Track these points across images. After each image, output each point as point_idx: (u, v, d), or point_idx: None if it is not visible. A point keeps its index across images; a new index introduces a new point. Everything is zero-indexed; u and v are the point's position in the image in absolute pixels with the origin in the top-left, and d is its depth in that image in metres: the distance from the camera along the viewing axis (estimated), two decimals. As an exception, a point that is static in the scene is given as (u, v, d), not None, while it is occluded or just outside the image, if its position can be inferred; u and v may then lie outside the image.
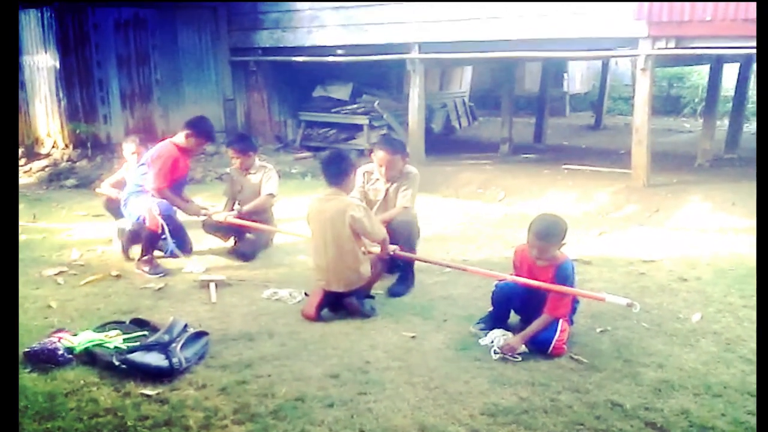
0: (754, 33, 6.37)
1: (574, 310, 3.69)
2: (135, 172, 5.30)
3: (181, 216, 5.19)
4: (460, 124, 14.23)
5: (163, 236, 4.94)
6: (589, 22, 7.33)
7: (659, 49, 7.00)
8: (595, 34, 7.35)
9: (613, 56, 10.70)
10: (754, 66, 11.43)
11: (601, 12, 7.22)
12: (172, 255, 5.02)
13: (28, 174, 8.58)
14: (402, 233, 4.45)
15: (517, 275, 3.78)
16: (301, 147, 11.00)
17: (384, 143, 4.62)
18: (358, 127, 10.85)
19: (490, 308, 3.89)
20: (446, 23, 8.43)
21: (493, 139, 11.17)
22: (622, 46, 7.51)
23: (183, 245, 5.16)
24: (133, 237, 5.08)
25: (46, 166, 8.65)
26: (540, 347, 3.47)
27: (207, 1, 10.13)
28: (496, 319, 3.80)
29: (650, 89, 7.30)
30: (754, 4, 6.20)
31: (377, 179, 4.64)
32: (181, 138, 5.12)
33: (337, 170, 4.03)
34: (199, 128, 5.16)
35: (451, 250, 5.58)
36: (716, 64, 9.03)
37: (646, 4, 6.80)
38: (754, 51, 6.82)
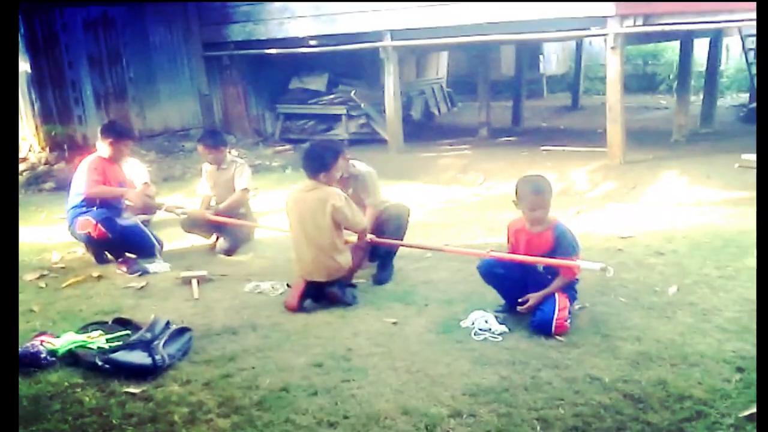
0: (721, 7, 6.51)
1: (573, 287, 3.69)
2: (74, 185, 5.18)
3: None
4: (439, 111, 14.24)
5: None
6: (558, 3, 7.36)
7: (627, 27, 7.06)
8: (564, 15, 7.40)
9: (582, 36, 10.76)
10: (725, 40, 11.60)
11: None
12: (136, 271, 4.82)
13: (4, 179, 8.45)
14: (392, 224, 4.49)
15: (512, 252, 3.81)
16: (280, 140, 10.96)
17: None
18: (337, 118, 10.84)
19: (472, 291, 3.92)
20: (416, 10, 8.43)
21: (471, 124, 11.21)
22: (593, 26, 7.57)
23: (142, 248, 5.06)
24: (98, 247, 5.05)
25: (24, 171, 8.53)
26: (542, 329, 3.48)
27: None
28: (507, 299, 3.82)
29: (621, 67, 7.36)
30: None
31: None
32: (104, 149, 5.08)
33: (317, 163, 4.03)
34: (107, 132, 5.11)
35: (432, 235, 5.62)
36: (686, 40, 9.12)
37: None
38: (722, 25, 6.92)
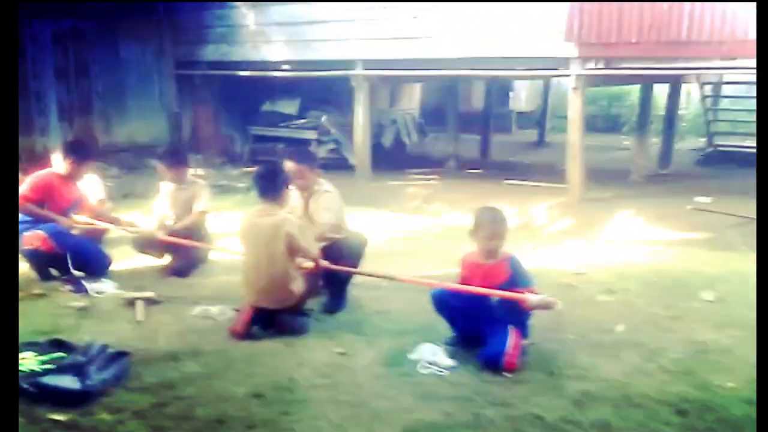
0: (678, 54, 6.73)
1: (526, 323, 3.67)
2: None
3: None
4: (410, 140, 14.36)
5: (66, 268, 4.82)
6: (523, 43, 7.52)
7: (589, 69, 7.25)
8: (530, 54, 7.56)
9: (545, 76, 11.06)
10: (687, 86, 11.99)
11: (534, 33, 7.42)
12: (81, 290, 4.67)
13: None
14: (349, 253, 4.44)
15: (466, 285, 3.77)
16: (249, 161, 10.90)
17: (290, 154, 4.65)
18: (306, 142, 10.82)
19: (424, 322, 3.89)
20: (388, 41, 8.54)
21: (441, 155, 11.33)
22: (556, 67, 7.75)
23: (93, 265, 4.95)
24: (44, 263, 4.88)
25: (-24, 181, 8.29)
26: (491, 364, 3.45)
27: (152, 1, 9.95)
28: (459, 332, 3.77)
29: (582, 107, 7.54)
30: (676, 27, 6.51)
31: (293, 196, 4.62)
32: (63, 166, 5.01)
33: (270, 184, 4.00)
34: (71, 150, 5.06)
35: (392, 264, 5.54)
36: (646, 85, 9.41)
37: (576, 25, 7.03)
38: (679, 72, 7.16)
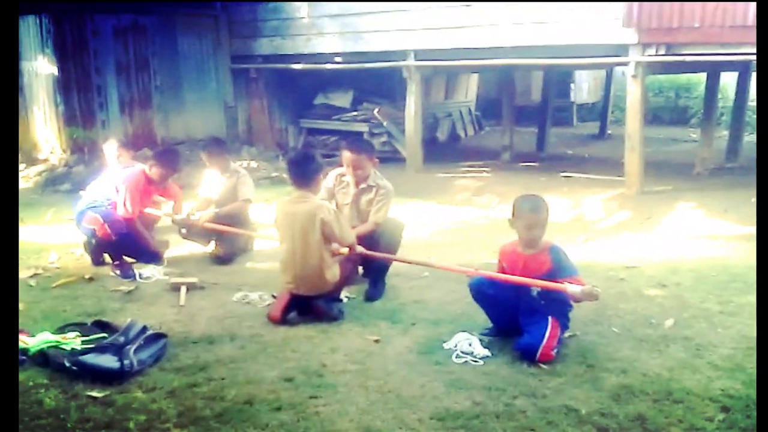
0: (745, 40, 6.32)
1: (567, 314, 3.55)
2: (94, 188, 5.34)
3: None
4: (465, 133, 14.17)
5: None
6: (580, 29, 7.26)
7: (649, 56, 6.91)
8: (586, 41, 7.29)
9: (604, 63, 10.61)
10: (753, 74, 11.26)
11: (592, 19, 7.15)
12: (130, 275, 4.83)
13: (25, 179, 8.66)
14: (386, 239, 4.42)
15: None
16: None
17: (348, 144, 4.63)
18: (359, 135, 10.85)
19: (462, 313, 3.81)
20: (440, 31, 8.43)
21: (496, 148, 11.13)
22: (616, 54, 7.43)
23: (148, 253, 5.14)
24: (100, 247, 5.07)
25: (43, 171, 8.73)
26: (526, 354, 3.36)
27: (206, 0, 10.22)
28: (497, 323, 3.69)
29: (642, 96, 7.22)
30: (743, 11, 6.11)
31: (347, 183, 4.62)
32: (149, 169, 5.20)
33: (304, 171, 4.01)
34: (162, 160, 5.21)
35: (433, 254, 5.49)
36: (712, 73, 8.90)
37: (635, 10, 6.72)
38: (748, 58, 6.72)
